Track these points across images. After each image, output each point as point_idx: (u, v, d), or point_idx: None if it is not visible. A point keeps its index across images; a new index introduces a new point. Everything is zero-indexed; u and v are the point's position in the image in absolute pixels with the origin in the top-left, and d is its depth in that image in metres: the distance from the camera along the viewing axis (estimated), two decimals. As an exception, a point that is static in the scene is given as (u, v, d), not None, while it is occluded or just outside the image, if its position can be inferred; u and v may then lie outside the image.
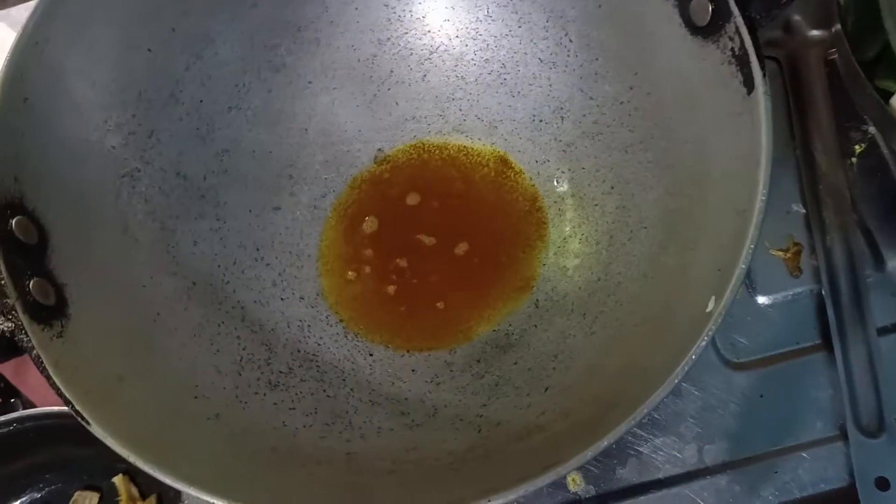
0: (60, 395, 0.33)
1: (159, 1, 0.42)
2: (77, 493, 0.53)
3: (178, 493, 0.48)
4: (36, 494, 0.60)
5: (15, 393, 0.57)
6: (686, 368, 0.31)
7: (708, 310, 0.32)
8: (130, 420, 0.34)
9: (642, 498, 0.41)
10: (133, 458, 0.32)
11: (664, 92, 0.40)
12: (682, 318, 0.34)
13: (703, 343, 0.32)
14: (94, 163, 0.41)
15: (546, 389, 0.38)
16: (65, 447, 0.57)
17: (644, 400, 0.31)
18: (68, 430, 0.57)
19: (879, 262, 0.44)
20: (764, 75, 0.34)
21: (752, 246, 0.32)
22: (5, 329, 0.33)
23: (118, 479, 0.53)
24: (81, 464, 0.59)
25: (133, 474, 0.53)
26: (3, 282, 0.34)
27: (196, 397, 0.38)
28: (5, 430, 0.52)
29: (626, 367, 0.35)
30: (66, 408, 0.54)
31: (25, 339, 0.33)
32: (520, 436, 0.36)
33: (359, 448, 0.38)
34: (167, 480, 0.32)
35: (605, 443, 0.30)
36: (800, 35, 0.49)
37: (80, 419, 0.32)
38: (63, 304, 0.36)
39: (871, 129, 0.47)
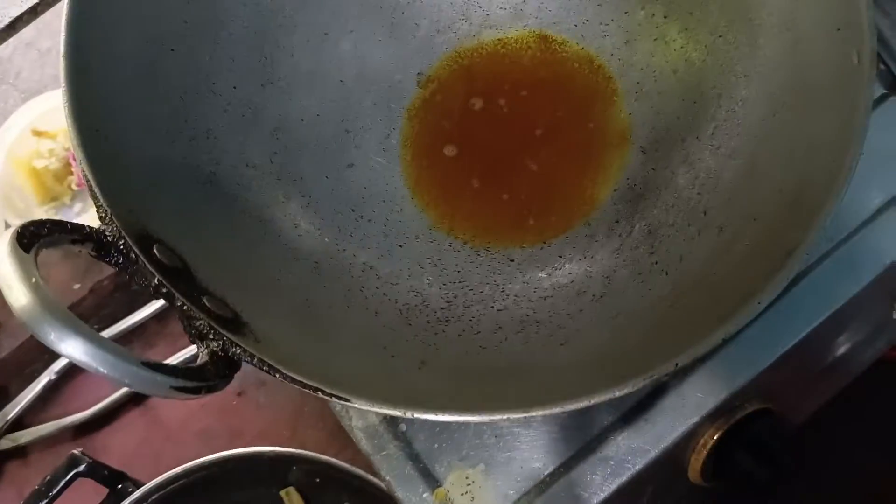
0: (304, 385, 0.31)
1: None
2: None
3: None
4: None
5: (122, 476, 0.53)
6: (864, 130, 0.33)
7: (855, 62, 0.34)
8: (364, 387, 0.32)
9: (804, 281, 0.43)
10: (409, 413, 0.30)
11: None
12: (825, 85, 0.35)
13: (870, 93, 0.33)
14: (175, 176, 0.38)
15: (705, 213, 0.39)
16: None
17: (836, 175, 0.32)
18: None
19: None
20: None
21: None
22: (215, 349, 0.31)
23: (286, 493, 0.51)
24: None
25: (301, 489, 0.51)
26: (184, 307, 0.31)
27: (393, 356, 0.37)
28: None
29: (790, 153, 0.36)
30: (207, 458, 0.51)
31: (239, 352, 0.31)
32: (712, 260, 0.37)
33: (566, 337, 0.38)
34: (429, 417, 0.31)
35: (833, 206, 0.31)
36: None
37: (338, 399, 0.31)
38: (236, 313, 0.34)
39: None
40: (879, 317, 0.47)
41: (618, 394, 0.30)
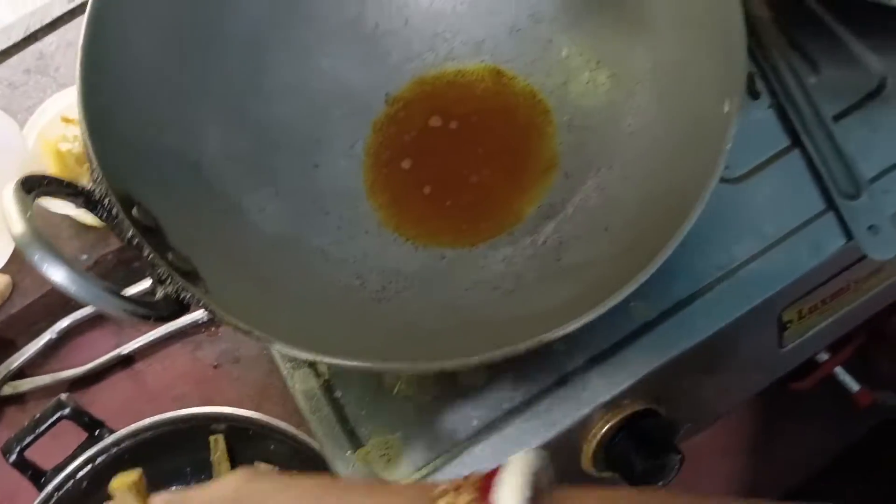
0: (238, 328, 0.38)
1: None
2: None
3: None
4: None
5: (100, 423, 0.61)
6: (724, 158, 0.40)
7: (725, 110, 0.40)
8: (295, 335, 0.39)
9: (697, 302, 0.49)
10: (327, 359, 0.38)
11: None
12: (707, 129, 0.42)
13: (732, 135, 0.40)
14: (164, 159, 0.46)
15: (606, 229, 0.46)
16: (158, 461, 0.61)
17: (698, 194, 0.39)
18: (160, 442, 0.61)
19: (814, 67, 0.53)
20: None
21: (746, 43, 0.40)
22: (169, 292, 0.38)
23: (214, 439, 0.58)
24: (176, 473, 0.63)
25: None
26: (150, 256, 0.39)
27: (327, 319, 0.44)
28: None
29: (673, 184, 0.43)
30: (154, 418, 0.58)
31: (190, 295, 0.38)
32: (604, 264, 0.43)
33: (472, 319, 0.44)
34: (353, 364, 0.38)
35: (685, 227, 0.38)
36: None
37: (262, 340, 0.38)
38: (194, 269, 0.41)
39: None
40: (766, 348, 0.53)
41: (497, 353, 0.37)
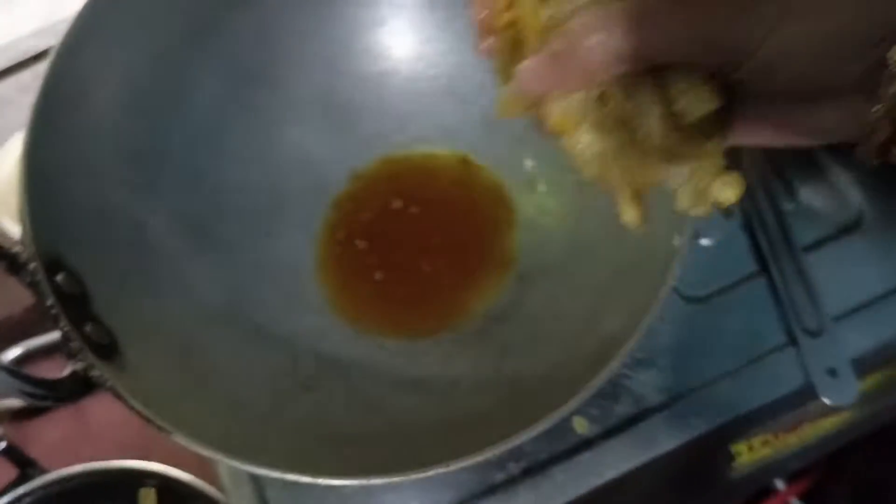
0: (141, 415, 0.37)
1: (138, 65, 0.46)
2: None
3: None
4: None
5: (31, 463, 0.59)
6: (666, 292, 0.38)
7: (676, 244, 0.39)
8: (201, 428, 0.38)
9: (641, 425, 0.47)
10: (219, 456, 0.36)
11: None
12: (656, 257, 0.40)
13: (677, 270, 0.38)
14: (107, 219, 0.45)
15: (549, 343, 0.44)
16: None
17: (634, 327, 0.37)
18: (90, 489, 0.59)
19: (793, 194, 0.52)
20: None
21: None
22: (78, 369, 0.37)
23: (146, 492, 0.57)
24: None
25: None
26: (66, 329, 0.38)
27: (244, 407, 0.42)
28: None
29: (617, 307, 0.41)
30: (87, 465, 0.57)
31: (98, 375, 0.37)
32: (541, 383, 0.42)
33: (398, 425, 0.43)
34: (249, 469, 0.36)
35: (614, 364, 0.36)
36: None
37: (163, 432, 0.36)
38: (115, 342, 0.40)
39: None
40: (713, 475, 0.51)
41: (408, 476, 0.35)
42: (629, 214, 0.30)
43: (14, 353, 0.69)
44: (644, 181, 0.29)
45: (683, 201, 0.28)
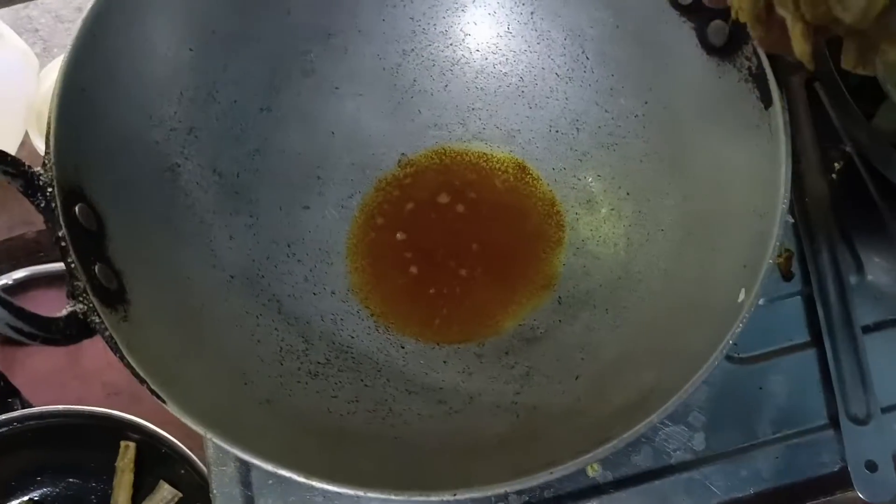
0: (135, 374, 0.34)
1: (205, 3, 0.43)
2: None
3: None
4: (25, 497, 0.60)
5: (14, 392, 0.57)
6: (723, 351, 0.35)
7: (739, 300, 0.36)
8: (195, 399, 0.35)
9: (657, 482, 0.44)
10: (209, 434, 0.33)
11: (680, 106, 0.44)
12: (712, 309, 0.37)
13: (739, 329, 0.35)
14: (140, 156, 0.42)
15: (577, 378, 0.41)
16: (61, 449, 0.58)
17: (682, 384, 0.34)
18: (69, 431, 0.57)
19: (860, 267, 0.48)
20: (781, 92, 0.39)
21: (777, 243, 0.36)
22: (78, 311, 0.34)
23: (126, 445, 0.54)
24: (76, 466, 0.60)
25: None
26: (72, 265, 0.35)
27: (245, 384, 0.39)
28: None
29: (658, 356, 0.38)
30: (69, 407, 0.55)
31: (98, 322, 0.34)
32: (561, 419, 0.39)
33: (403, 432, 0.40)
34: (239, 453, 0.33)
35: (654, 418, 0.33)
36: (783, 59, 0.54)
37: (156, 397, 0.34)
38: (122, 289, 0.37)
39: (849, 149, 0.52)
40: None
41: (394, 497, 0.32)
42: (800, 48, 0.31)
43: (19, 275, 0.67)
44: (816, 13, 0.29)
45: (848, 58, 0.30)
